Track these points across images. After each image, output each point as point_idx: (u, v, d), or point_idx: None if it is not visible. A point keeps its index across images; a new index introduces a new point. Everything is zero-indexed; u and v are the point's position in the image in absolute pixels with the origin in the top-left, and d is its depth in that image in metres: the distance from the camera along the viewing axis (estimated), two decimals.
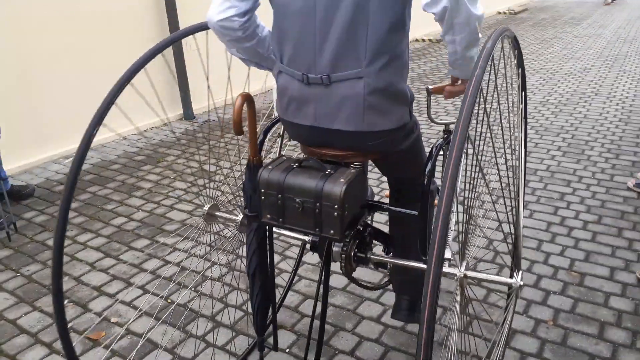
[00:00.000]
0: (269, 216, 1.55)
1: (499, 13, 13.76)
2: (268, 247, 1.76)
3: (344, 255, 1.64)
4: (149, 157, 4.53)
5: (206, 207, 1.94)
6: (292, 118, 1.54)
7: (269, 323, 1.94)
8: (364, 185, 1.65)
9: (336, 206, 1.41)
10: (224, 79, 6.03)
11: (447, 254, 1.71)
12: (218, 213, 1.96)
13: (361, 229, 1.70)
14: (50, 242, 3.18)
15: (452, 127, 1.86)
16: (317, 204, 1.43)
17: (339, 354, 2.21)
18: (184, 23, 5.23)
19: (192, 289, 2.71)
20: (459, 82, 1.64)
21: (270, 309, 1.84)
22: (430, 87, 1.84)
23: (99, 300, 2.65)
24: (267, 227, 1.73)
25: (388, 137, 1.49)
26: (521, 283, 1.52)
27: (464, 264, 1.41)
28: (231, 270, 2.83)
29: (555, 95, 5.93)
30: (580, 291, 2.57)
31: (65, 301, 2.62)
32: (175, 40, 1.69)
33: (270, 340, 1.99)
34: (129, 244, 3.16)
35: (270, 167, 1.53)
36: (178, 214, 3.50)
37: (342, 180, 1.43)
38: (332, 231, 1.46)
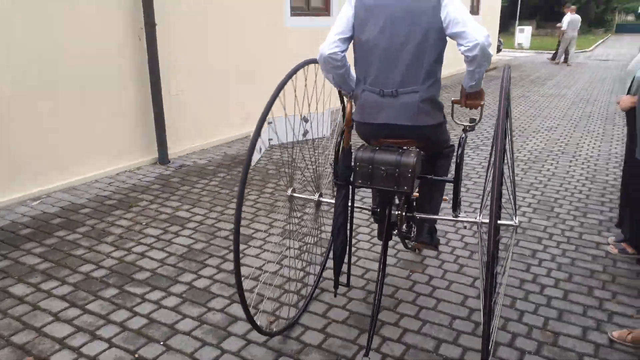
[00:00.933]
0: (360, 181, 2.30)
1: None
2: (350, 210, 2.49)
3: (398, 214, 2.49)
4: (121, 202, 4.44)
5: (289, 191, 2.65)
6: (368, 119, 2.36)
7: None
8: (421, 163, 2.37)
9: (410, 170, 2.20)
10: (200, 124, 6.08)
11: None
12: (297, 195, 2.68)
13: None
14: (13, 290, 3.03)
15: (468, 127, 2.60)
16: (397, 170, 2.21)
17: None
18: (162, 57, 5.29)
19: (162, 342, 2.60)
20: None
21: (347, 257, 2.55)
22: (453, 99, 2.64)
23: (61, 354, 2.52)
24: (350, 193, 2.47)
25: (431, 130, 2.33)
26: (518, 224, 2.31)
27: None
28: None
29: (524, 152, 6.14)
30: (554, 351, 2.58)
31: (24, 359, 2.48)
32: (295, 71, 2.40)
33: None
34: (97, 292, 3.05)
35: (361, 150, 2.30)
36: (149, 262, 3.41)
37: (412, 155, 2.23)
38: (405, 187, 2.22)
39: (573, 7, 16.18)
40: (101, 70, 4.83)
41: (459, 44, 2.19)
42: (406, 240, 2.86)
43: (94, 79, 4.78)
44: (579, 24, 16.14)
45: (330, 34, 2.42)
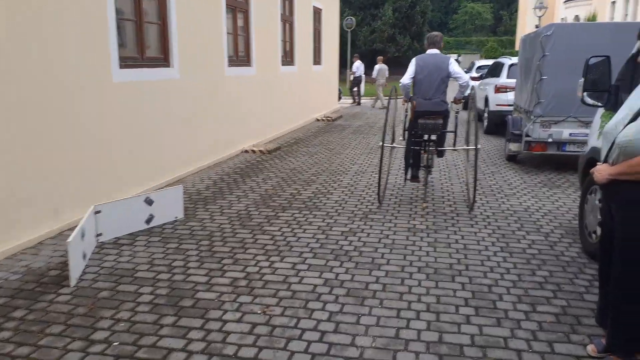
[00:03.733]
0: (421, 132, 5.66)
1: (318, 120, 14.08)
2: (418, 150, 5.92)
3: (434, 148, 5.90)
4: None
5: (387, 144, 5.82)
6: (420, 108, 5.61)
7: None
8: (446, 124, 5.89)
9: (440, 125, 5.60)
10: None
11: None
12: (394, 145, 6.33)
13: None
14: None
15: (456, 111, 6.25)
16: (435, 125, 5.53)
17: None
18: None
19: None
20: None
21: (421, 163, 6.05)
22: (451, 100, 6.05)
23: None
24: (419, 140, 5.84)
25: (445, 112, 5.75)
26: (480, 147, 6.74)
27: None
28: None
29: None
30: None
31: None
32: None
33: None
34: None
35: (418, 118, 5.56)
36: None
37: (440, 120, 5.62)
38: (438, 132, 5.66)
39: (380, 57, 19.11)
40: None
41: (458, 80, 5.72)
42: (426, 176, 6.16)
43: None
44: (387, 72, 18.43)
45: (408, 72, 5.81)
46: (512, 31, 58.29)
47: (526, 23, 50.06)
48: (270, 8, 10.29)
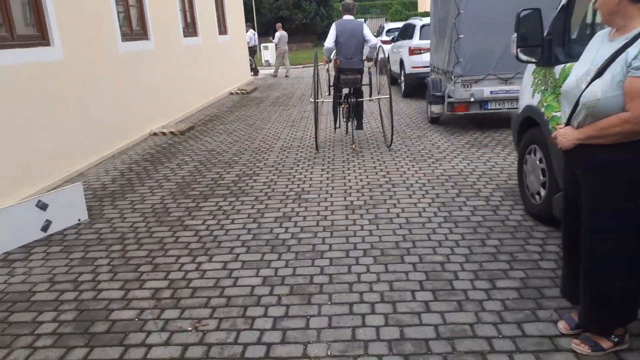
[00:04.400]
0: (344, 85, 6.58)
1: (232, 94, 13.30)
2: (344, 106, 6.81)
3: (353, 99, 6.70)
4: None
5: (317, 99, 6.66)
6: (343, 66, 6.46)
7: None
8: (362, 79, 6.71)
9: (360, 78, 6.56)
10: None
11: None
12: (324, 100, 7.45)
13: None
14: None
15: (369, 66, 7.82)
16: (356, 78, 6.49)
17: None
18: None
19: None
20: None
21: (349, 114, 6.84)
22: (364, 59, 6.70)
23: None
24: (343, 91, 6.77)
25: (362, 69, 6.58)
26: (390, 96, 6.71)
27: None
28: None
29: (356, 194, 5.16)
30: None
31: None
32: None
33: None
34: None
35: (342, 74, 6.49)
36: None
37: (359, 75, 6.55)
38: (358, 85, 6.57)
39: (279, 24, 18.75)
40: None
41: (369, 42, 6.62)
42: (352, 126, 6.93)
43: None
44: (287, 39, 18.16)
45: (330, 37, 6.49)
46: None
47: None
48: None
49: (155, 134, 8.13)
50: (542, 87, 3.78)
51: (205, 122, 9.28)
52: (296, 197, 4.79)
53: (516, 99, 7.03)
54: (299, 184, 5.21)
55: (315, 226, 4.07)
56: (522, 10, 3.58)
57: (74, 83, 6.08)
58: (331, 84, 7.01)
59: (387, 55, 13.64)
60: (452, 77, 7.04)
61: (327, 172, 5.60)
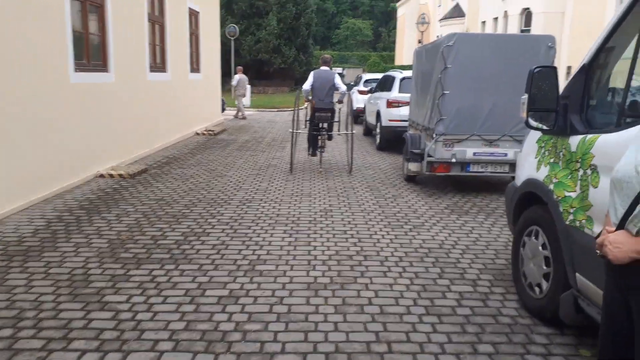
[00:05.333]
0: (317, 121, 8.08)
1: (197, 134, 12.56)
2: (316, 135, 8.24)
3: (325, 135, 8.28)
4: None
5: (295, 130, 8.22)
6: (318, 106, 7.99)
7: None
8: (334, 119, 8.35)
9: (331, 116, 8.15)
10: None
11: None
12: (299, 131, 8.49)
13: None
14: None
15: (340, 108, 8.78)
16: (328, 116, 8.07)
17: None
18: None
19: None
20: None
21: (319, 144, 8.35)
22: (335, 101, 8.37)
23: None
24: (317, 128, 8.16)
25: (333, 109, 8.22)
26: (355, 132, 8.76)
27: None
28: None
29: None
30: None
31: None
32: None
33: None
34: None
35: (316, 113, 8.00)
36: None
37: (330, 114, 8.12)
38: (330, 121, 8.16)
39: (240, 67, 18.72)
40: None
41: (339, 89, 8.15)
42: (320, 151, 8.32)
43: None
44: (246, 82, 18.22)
45: (308, 82, 8.01)
46: (390, 47, 61.00)
47: (404, 40, 52.58)
48: (133, 5, 8.67)
49: (102, 175, 7.26)
50: (551, 160, 3.17)
51: (161, 164, 8.46)
52: (249, 269, 3.99)
53: (501, 163, 6.55)
54: (254, 250, 4.42)
55: (267, 313, 3.26)
56: (536, 68, 3.01)
57: (3, 112, 5.25)
58: (307, 119, 8.53)
59: (363, 106, 13.34)
60: (434, 135, 6.49)
61: (290, 235, 4.83)
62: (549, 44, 6.33)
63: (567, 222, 2.90)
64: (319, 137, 8.20)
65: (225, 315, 3.21)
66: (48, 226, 4.97)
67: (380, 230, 5.02)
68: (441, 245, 4.65)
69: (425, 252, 4.44)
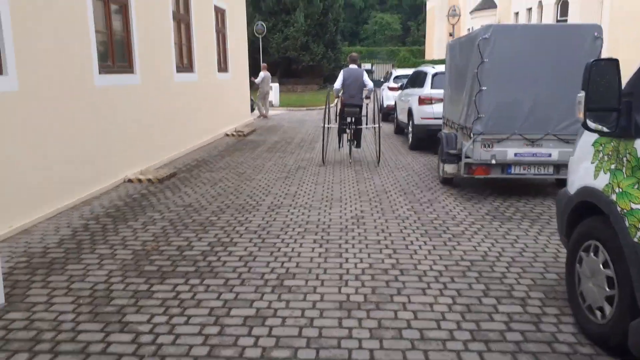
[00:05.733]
0: (346, 116, 8.72)
1: (227, 135, 12.45)
2: (348, 131, 8.89)
3: (353, 126, 8.78)
4: None
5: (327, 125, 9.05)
6: (347, 101, 8.61)
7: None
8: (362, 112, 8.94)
9: (359, 111, 8.72)
10: None
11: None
12: (331, 125, 9.49)
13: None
14: None
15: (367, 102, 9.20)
16: (357, 110, 8.67)
17: None
18: None
19: None
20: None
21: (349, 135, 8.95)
22: (363, 97, 8.81)
23: None
24: (346, 123, 8.79)
25: (362, 104, 8.74)
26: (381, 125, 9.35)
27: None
28: None
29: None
30: None
31: None
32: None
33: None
34: None
35: (345, 107, 8.67)
36: None
37: (359, 108, 8.71)
38: (358, 115, 8.72)
39: (265, 64, 17.90)
40: None
41: (366, 86, 8.60)
42: (352, 144, 8.89)
43: None
44: (270, 79, 17.58)
45: (338, 81, 8.62)
46: (420, 41, 59.99)
47: (434, 33, 51.56)
48: (157, 4, 8.55)
49: (130, 180, 7.17)
50: (612, 166, 2.81)
51: (190, 168, 8.33)
52: (277, 284, 3.75)
53: (544, 164, 6.11)
54: (283, 262, 4.18)
55: (296, 337, 3.01)
56: (593, 61, 2.66)
57: (32, 114, 5.17)
58: (337, 114, 9.33)
59: (394, 103, 13.00)
60: (471, 135, 6.11)
61: (320, 246, 4.57)
62: (595, 33, 5.86)
63: (636, 239, 2.54)
64: (348, 130, 8.86)
65: (251, 339, 2.98)
66: (74, 235, 4.86)
67: (417, 240, 4.71)
68: (484, 257, 4.31)
69: (467, 266, 4.11)
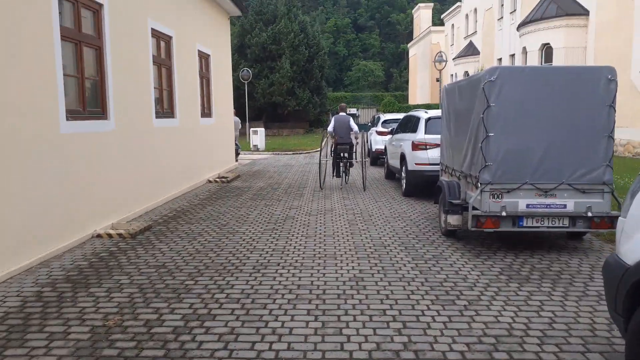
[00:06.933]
0: (339, 152, 11.21)
1: (210, 182, 11.80)
2: (341, 163, 11.37)
3: (347, 164, 11.44)
4: None
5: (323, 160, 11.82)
6: (339, 141, 11.11)
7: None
8: (352, 150, 11.52)
9: (349, 149, 11.26)
10: None
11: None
12: (325, 159, 12.05)
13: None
14: None
15: (357, 142, 11.72)
16: (347, 147, 11.17)
17: None
18: None
19: None
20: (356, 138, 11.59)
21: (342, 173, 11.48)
22: (352, 137, 11.30)
23: None
24: (339, 157, 11.29)
25: (351, 143, 11.27)
26: (368, 160, 13.90)
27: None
28: None
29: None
30: None
31: None
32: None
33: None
34: None
35: (337, 145, 11.16)
36: None
37: (349, 147, 11.24)
38: (348, 153, 11.28)
39: (234, 110, 17.02)
40: None
41: (352, 129, 11.09)
42: (344, 176, 11.46)
43: None
44: (240, 125, 17.07)
45: (331, 125, 11.16)
46: (402, 87, 60.94)
47: (417, 80, 52.39)
48: (135, 46, 8.05)
49: (99, 235, 6.42)
50: None
51: (167, 219, 7.61)
52: None
53: (559, 216, 5.55)
54: (271, 343, 3.46)
55: None
56: None
57: None
58: (331, 151, 11.45)
59: (384, 146, 13.10)
60: (478, 184, 5.57)
61: (316, 319, 3.87)
62: (609, 76, 5.46)
63: None
64: (341, 163, 11.33)
65: None
66: (22, 308, 4.09)
67: (428, 309, 4.04)
68: (509, 330, 3.65)
69: (492, 343, 3.44)
